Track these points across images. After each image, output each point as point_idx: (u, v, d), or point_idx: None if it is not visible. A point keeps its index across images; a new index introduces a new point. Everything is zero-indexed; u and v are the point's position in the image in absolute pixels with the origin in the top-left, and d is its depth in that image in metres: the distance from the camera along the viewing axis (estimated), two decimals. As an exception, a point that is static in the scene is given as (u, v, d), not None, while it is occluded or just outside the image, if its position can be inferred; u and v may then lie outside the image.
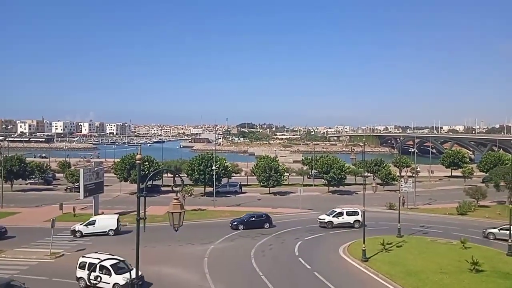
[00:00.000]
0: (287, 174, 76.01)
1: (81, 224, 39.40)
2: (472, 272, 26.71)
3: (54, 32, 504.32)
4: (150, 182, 61.92)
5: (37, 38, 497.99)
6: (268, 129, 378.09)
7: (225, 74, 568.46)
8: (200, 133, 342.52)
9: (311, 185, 75.64)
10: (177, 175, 46.77)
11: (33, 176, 74.35)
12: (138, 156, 13.98)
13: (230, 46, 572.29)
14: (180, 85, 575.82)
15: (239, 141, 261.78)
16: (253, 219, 42.47)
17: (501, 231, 37.26)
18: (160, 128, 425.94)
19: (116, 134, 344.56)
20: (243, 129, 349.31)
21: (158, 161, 71.57)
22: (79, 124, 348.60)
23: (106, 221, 39.78)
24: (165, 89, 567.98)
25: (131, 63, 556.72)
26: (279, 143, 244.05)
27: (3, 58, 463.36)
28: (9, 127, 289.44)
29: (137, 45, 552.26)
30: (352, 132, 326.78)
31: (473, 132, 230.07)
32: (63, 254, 32.13)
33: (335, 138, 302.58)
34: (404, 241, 35.79)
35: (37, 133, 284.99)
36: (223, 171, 66.25)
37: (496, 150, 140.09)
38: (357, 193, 67.19)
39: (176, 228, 12.09)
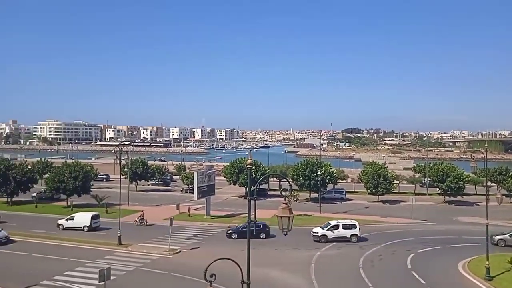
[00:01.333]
0: (397, 181, 72.20)
1: (65, 219, 43.69)
2: None
3: (163, 51, 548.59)
4: (257, 186, 63.83)
5: (156, 60, 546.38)
6: (375, 134, 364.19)
7: (329, 79, 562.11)
8: (304, 139, 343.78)
9: (424, 194, 70.75)
10: (284, 179, 47.62)
11: (154, 178, 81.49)
12: (248, 161, 14.52)
13: (332, 47, 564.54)
14: (284, 90, 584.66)
15: (344, 147, 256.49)
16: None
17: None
18: (265, 134, 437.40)
19: (225, 139, 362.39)
20: (348, 134, 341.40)
21: (265, 166, 73.42)
22: (193, 130, 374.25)
23: (82, 218, 43.22)
24: (270, 96, 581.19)
25: (238, 72, 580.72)
26: (388, 149, 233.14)
27: (131, 78, 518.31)
28: (134, 133, 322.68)
29: (242, 54, 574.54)
30: (471, 137, 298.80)
31: None
32: (180, 251, 34.63)
33: (451, 144, 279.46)
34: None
35: (157, 139, 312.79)
36: (328, 177, 65.39)
37: None
38: (478, 205, 61.11)
39: (285, 232, 12.27)
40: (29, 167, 64.95)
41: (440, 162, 74.23)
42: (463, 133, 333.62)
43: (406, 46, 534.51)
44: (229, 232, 39.95)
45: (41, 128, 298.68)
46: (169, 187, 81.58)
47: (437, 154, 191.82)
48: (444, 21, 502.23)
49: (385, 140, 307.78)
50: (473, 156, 49.59)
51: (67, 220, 43.39)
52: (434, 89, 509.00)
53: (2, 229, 37.93)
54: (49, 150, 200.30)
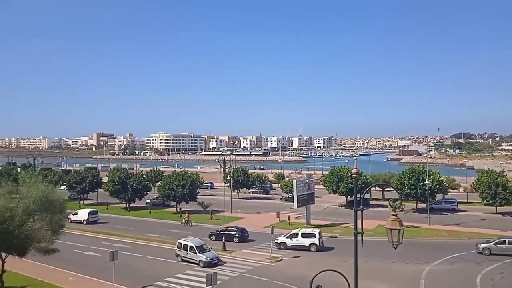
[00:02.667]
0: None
1: (72, 214, 51.11)
2: None
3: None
4: (358, 195, 61.83)
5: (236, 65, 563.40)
6: (490, 139, 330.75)
7: (433, 80, 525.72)
8: (408, 145, 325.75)
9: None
10: (393, 188, 45.38)
11: (254, 186, 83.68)
12: (354, 170, 14.20)
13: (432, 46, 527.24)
14: (385, 95, 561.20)
15: (454, 153, 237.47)
16: (226, 232, 41.82)
17: (498, 245, 35.72)
18: (365, 141, 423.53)
19: (323, 147, 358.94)
20: (458, 140, 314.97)
21: (366, 174, 70.96)
22: (290, 138, 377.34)
23: (82, 213, 53.83)
24: (370, 101, 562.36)
25: (335, 79, 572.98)
26: (506, 155, 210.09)
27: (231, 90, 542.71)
28: (235, 143, 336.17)
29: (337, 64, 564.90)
30: None
31: None
32: (281, 259, 34.93)
33: None
34: None
35: (256, 148, 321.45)
36: (437, 186, 60.84)
37: None
38: None
39: (395, 246, 11.74)
40: (144, 176, 71.17)
41: None
42: None
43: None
44: (209, 234, 43.46)
45: (153, 140, 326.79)
46: (268, 195, 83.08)
47: None
48: None
49: (502, 146, 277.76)
50: None
51: (73, 214, 51.48)
52: None
53: (211, 248, 35.36)
54: (160, 160, 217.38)
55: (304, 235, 38.79)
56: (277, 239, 39.29)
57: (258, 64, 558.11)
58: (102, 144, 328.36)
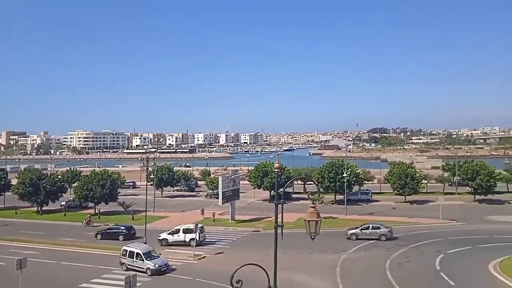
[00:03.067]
0: (425, 181, 70.64)
1: None
2: None
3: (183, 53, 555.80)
4: (280, 189, 63.55)
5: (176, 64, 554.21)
6: (402, 134, 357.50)
7: (352, 77, 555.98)
8: (329, 140, 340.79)
9: (453, 194, 68.94)
10: (312, 182, 47.33)
11: (179, 184, 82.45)
12: (276, 165, 14.54)
13: (356, 43, 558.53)
14: (307, 92, 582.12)
15: (370, 147, 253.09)
16: (111, 231, 43.26)
17: (362, 231, 39.77)
18: (290, 136, 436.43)
19: (250, 143, 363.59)
20: (374, 135, 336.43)
21: (289, 169, 73.03)
22: (217, 135, 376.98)
23: None
24: (294, 98, 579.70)
25: (261, 76, 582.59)
26: (415, 148, 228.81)
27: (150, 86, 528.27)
28: (160, 140, 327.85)
29: (269, 62, 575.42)
30: (503, 133, 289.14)
31: None
32: (204, 256, 34.88)
33: (481, 141, 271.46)
34: None
35: (182, 145, 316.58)
36: (354, 179, 64.65)
37: None
38: (510, 203, 59.14)
39: (313, 236, 12.17)
40: (59, 176, 66.85)
41: (470, 160, 72.28)
42: (494, 129, 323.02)
43: (430, 38, 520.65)
44: (95, 233, 43.75)
45: (70, 138, 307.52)
46: (194, 193, 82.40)
47: (466, 152, 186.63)
48: (470, 10, 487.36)
49: (412, 139, 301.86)
50: (507, 153, 47.94)
51: None
52: (463, 84, 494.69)
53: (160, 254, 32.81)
54: (78, 159, 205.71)
55: (185, 231, 39.35)
56: (160, 236, 40.13)
57: (183, 61, 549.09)
58: (12, 143, 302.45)
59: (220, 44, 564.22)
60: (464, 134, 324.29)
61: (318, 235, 11.34)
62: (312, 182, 64.74)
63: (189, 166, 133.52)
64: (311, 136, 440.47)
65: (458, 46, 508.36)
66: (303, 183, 76.26)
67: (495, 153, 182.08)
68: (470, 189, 64.03)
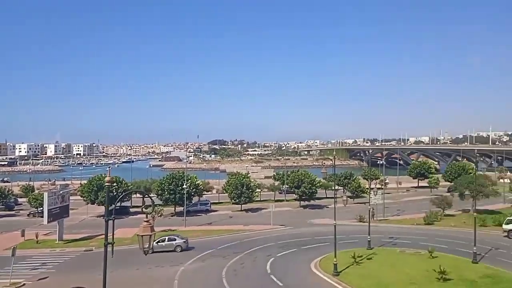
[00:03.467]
0: (259, 190, 76.03)
1: None
2: (440, 281, 27.16)
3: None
4: (118, 204, 60.28)
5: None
6: (239, 145, 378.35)
7: (195, 91, 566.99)
8: (170, 152, 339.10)
9: (282, 201, 75.77)
10: (146, 196, 45.82)
11: (-7, 202, 71.01)
12: (107, 178, 13.66)
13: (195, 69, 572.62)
14: (149, 103, 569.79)
15: (210, 158, 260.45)
16: None
17: (159, 243, 39.07)
18: (129, 148, 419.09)
19: (84, 155, 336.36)
20: (214, 146, 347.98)
21: (127, 182, 69.99)
22: (44, 145, 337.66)
23: None
24: (134, 108, 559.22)
25: (96, 83, 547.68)
26: (251, 159, 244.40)
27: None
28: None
29: (102, 64, 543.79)
30: (323, 146, 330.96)
31: (438, 143, 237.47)
32: (24, 284, 30.59)
33: (306, 152, 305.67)
34: (374, 253, 36.14)
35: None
36: (194, 190, 65.53)
37: (460, 159, 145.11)
38: (328, 207, 67.72)
39: (146, 252, 11.82)
40: None
41: (296, 169, 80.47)
42: (316, 142, 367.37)
43: (270, 62, 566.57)
44: None
45: None
46: (13, 212, 71.95)
47: (294, 162, 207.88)
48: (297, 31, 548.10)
49: (248, 151, 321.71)
50: (323, 163, 54.93)
51: None
52: (291, 102, 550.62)
53: None
54: None
55: None
56: None
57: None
58: None
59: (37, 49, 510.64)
60: (292, 146, 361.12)
61: (152, 249, 11.04)
62: (153, 196, 63.37)
63: (7, 181, 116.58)
64: (152, 147, 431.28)
65: (281, 71, 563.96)
66: (142, 196, 73.87)
67: (316, 163, 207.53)
68: (296, 196, 71.27)
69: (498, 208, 61.43)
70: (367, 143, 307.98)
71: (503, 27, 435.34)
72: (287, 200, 75.76)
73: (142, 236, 12.23)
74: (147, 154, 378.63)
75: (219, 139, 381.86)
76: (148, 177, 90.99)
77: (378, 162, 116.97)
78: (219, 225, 54.17)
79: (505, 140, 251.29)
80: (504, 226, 44.04)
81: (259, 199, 74.87)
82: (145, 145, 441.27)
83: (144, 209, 11.51)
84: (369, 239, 38.39)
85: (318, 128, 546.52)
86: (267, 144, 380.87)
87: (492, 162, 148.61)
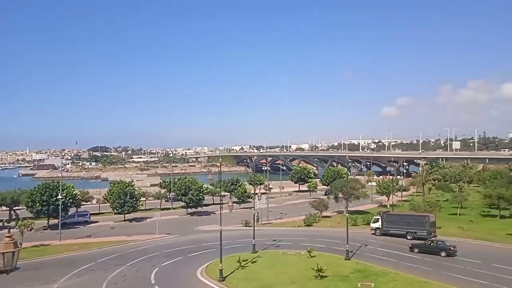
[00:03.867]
0: (144, 198, 73.34)
1: None
2: (318, 279, 29.17)
3: None
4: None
5: None
6: (123, 152, 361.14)
7: (72, 93, 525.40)
8: (44, 159, 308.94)
9: (169, 209, 74.22)
10: (10, 208, 41.04)
11: None
12: None
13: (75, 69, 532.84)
14: (19, 104, 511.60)
15: (91, 166, 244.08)
16: None
17: None
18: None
19: None
20: (95, 153, 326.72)
21: (-12, 193, 61.73)
22: None
23: None
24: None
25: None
26: (136, 166, 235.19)
27: None
28: None
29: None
30: (211, 152, 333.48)
31: (317, 149, 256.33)
32: None
33: (194, 159, 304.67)
34: (259, 256, 37.35)
35: None
36: (70, 200, 60.55)
37: (335, 165, 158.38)
38: (215, 213, 68.15)
39: (8, 271, 10.57)
40: None
41: (183, 176, 79.54)
42: (204, 149, 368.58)
43: (149, 66, 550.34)
44: None
45: None
46: None
47: (181, 170, 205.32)
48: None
49: (133, 158, 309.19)
50: (210, 169, 55.32)
51: None
52: (178, 109, 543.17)
53: None
54: None
55: None
56: None
57: None
58: None
59: None
60: (180, 153, 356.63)
61: (17, 268, 9.90)
62: (22, 208, 57.08)
63: None
64: (22, 154, 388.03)
65: (164, 78, 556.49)
66: (8, 209, 65.79)
67: (204, 170, 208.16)
68: (183, 203, 70.39)
69: (367, 208, 68.33)
70: (253, 150, 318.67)
71: (371, 45, 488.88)
72: (173, 208, 74.41)
73: (3, 253, 10.93)
74: (15, 162, 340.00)
75: (101, 146, 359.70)
76: (17, 188, 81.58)
77: (263, 168, 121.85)
78: (100, 237, 50.85)
79: (372, 147, 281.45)
80: (372, 225, 49.10)
81: (144, 208, 72.24)
82: (14, 152, 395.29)
83: (5, 223, 9.97)
84: (253, 243, 39.53)
85: (207, 135, 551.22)
86: (154, 151, 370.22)
87: (362, 167, 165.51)
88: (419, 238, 43.16)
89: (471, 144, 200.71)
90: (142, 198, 70.92)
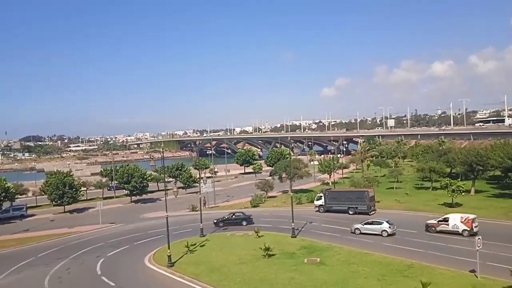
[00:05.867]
0: (85, 188, 70.56)
1: None
2: (266, 258, 29.93)
3: None
4: None
5: None
6: (59, 141, 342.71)
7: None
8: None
9: (112, 197, 72.14)
10: None
11: None
12: None
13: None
14: None
15: (23, 157, 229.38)
16: None
17: None
18: None
19: None
20: (28, 143, 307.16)
21: None
22: None
23: None
24: None
25: None
26: (74, 155, 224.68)
27: None
28: None
29: None
30: (153, 138, 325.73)
31: (260, 131, 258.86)
32: None
33: (136, 146, 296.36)
34: (207, 239, 37.54)
35: None
36: (3, 194, 56.95)
37: (279, 146, 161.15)
38: (160, 200, 67.22)
39: None
40: None
41: (125, 164, 77.34)
42: (146, 135, 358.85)
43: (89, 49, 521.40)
44: None
45: None
46: None
47: (123, 157, 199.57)
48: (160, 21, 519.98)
49: (70, 147, 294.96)
50: (152, 156, 53.97)
51: None
52: (117, 93, 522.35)
53: None
54: None
55: None
56: None
57: None
58: None
59: None
60: (120, 140, 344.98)
61: None
62: None
63: None
64: None
65: (99, 62, 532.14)
66: None
67: (147, 157, 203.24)
68: (127, 191, 68.64)
69: (311, 187, 70.59)
70: (197, 134, 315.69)
71: (310, 27, 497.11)
72: (117, 197, 72.45)
73: None
74: None
75: (34, 135, 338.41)
76: None
77: (208, 152, 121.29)
78: (39, 230, 48.41)
79: (313, 127, 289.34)
80: (315, 202, 50.88)
81: (85, 198, 69.59)
82: None
83: None
84: (201, 227, 39.60)
85: (148, 120, 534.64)
86: (92, 139, 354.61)
87: (304, 147, 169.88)
88: (360, 213, 45.53)
89: (405, 122, 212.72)
90: (83, 188, 68.21)
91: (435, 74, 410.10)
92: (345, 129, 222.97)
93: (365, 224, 37.24)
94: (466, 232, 34.04)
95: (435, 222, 36.21)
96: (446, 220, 35.61)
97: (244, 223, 43.66)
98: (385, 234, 35.54)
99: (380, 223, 36.48)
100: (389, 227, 35.77)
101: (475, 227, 34.24)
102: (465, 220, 34.67)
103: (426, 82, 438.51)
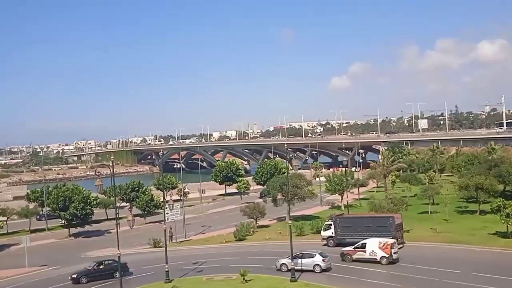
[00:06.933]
0: (5, 218, 69.71)
1: None
2: (256, 311, 29.69)
3: None
4: None
5: None
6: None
7: None
8: None
9: (43, 230, 71.33)
10: None
11: None
12: None
13: None
14: None
15: None
16: None
17: None
18: None
19: None
20: None
21: None
22: None
23: None
24: None
25: None
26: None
27: None
28: None
29: None
30: (99, 148, 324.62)
31: (247, 137, 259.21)
32: None
33: (76, 158, 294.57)
34: (175, 286, 37.15)
35: None
36: None
37: (272, 157, 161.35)
38: (110, 232, 66.67)
39: None
40: None
41: (61, 183, 76.58)
42: (90, 143, 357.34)
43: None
44: None
45: None
46: None
47: (58, 174, 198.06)
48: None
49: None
50: (98, 172, 53.03)
51: None
52: (53, 88, 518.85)
53: None
54: None
55: None
56: None
57: None
58: None
59: None
60: (55, 151, 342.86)
61: None
62: None
63: None
64: None
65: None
66: None
67: (92, 173, 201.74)
68: (63, 221, 67.90)
69: (316, 212, 70.67)
70: (160, 141, 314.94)
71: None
72: (50, 229, 71.75)
73: None
74: None
75: None
76: None
77: (175, 166, 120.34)
78: None
79: (319, 131, 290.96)
80: (323, 233, 50.73)
81: (5, 231, 68.70)
82: None
83: None
84: (167, 269, 39.17)
85: (92, 124, 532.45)
86: (15, 149, 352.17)
87: (307, 158, 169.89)
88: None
89: (442, 122, 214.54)
90: (1, 218, 67.43)
91: (482, 57, 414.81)
92: (360, 132, 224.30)
93: (294, 258, 38.25)
94: (385, 259, 38.67)
95: (351, 249, 40.94)
96: (363, 246, 40.32)
97: (117, 274, 37.50)
98: (318, 269, 37.99)
99: (312, 256, 38.82)
100: (323, 260, 38.16)
101: (394, 253, 38.88)
102: (383, 245, 39.13)
103: (470, 68, 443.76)
